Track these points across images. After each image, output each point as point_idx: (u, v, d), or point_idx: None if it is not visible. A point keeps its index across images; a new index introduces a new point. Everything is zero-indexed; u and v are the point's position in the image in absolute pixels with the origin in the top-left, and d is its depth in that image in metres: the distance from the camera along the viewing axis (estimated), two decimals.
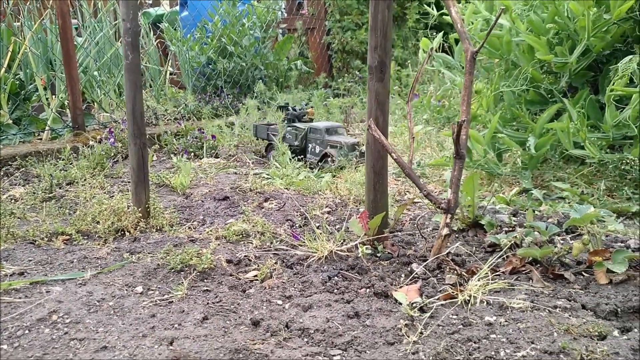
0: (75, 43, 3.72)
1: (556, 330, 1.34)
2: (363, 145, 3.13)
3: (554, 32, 3.00)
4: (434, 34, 4.03)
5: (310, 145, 3.32)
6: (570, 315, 1.41)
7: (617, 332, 1.32)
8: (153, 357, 1.29)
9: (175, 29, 5.37)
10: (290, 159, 3.27)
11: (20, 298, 1.59)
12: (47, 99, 3.96)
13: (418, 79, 1.80)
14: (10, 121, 3.67)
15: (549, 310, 1.44)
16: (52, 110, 3.81)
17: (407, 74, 5.94)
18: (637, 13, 2.68)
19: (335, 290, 1.64)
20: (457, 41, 3.86)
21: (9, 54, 3.78)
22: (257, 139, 3.84)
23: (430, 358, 1.24)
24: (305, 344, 1.36)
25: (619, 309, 1.41)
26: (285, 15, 6.92)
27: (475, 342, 1.31)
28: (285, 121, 3.53)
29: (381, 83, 1.79)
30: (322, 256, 1.85)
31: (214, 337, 1.38)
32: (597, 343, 1.27)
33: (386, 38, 1.76)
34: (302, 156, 3.39)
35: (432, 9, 3.90)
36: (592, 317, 1.41)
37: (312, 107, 3.56)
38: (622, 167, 2.50)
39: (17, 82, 3.85)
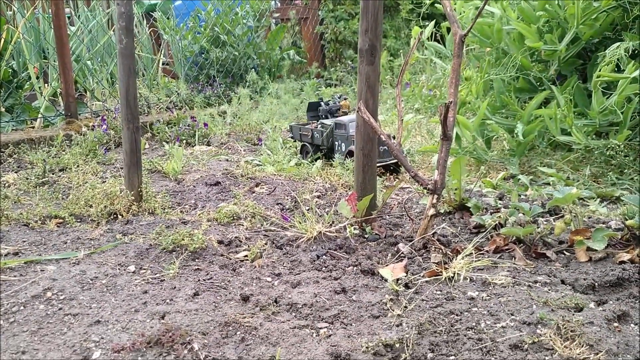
0: (68, 31, 3.73)
1: (535, 303, 1.38)
2: (395, 138, 2.81)
3: (544, 20, 3.04)
4: (427, 23, 4.06)
5: (336, 143, 2.95)
6: (549, 290, 1.46)
7: (593, 305, 1.37)
8: (145, 330, 1.33)
9: (168, 18, 5.37)
10: (281, 147, 3.31)
11: (15, 276, 1.62)
12: (39, 87, 3.97)
13: (408, 62, 1.83)
14: (3, 109, 3.68)
15: (529, 285, 1.49)
16: (44, 99, 3.82)
17: (400, 64, 5.97)
18: (626, 1, 2.72)
19: (324, 268, 1.68)
20: (449, 30, 3.89)
21: (2, 42, 3.78)
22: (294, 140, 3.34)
23: (414, 329, 1.29)
24: (293, 318, 1.40)
25: (596, 284, 1.46)
26: (279, 4, 6.92)
27: (457, 315, 1.36)
28: (320, 118, 3.20)
29: (372, 66, 1.82)
30: (311, 237, 1.89)
31: (204, 311, 1.42)
32: (573, 314, 1.31)
33: (377, 21, 1.79)
34: (330, 157, 3.02)
35: None
36: (570, 291, 1.46)
37: (345, 98, 3.22)
38: (608, 153, 2.55)
39: (10, 71, 3.86)
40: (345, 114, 3.20)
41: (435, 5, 3.80)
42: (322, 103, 3.27)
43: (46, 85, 4.07)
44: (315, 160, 3.02)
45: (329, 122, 3.01)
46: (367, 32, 1.78)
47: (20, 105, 3.78)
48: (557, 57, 2.97)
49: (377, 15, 1.77)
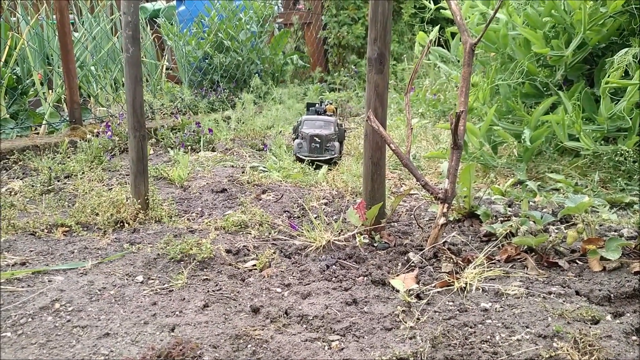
0: (72, 38, 3.72)
1: (550, 315, 1.37)
2: (332, 137, 3.12)
3: (550, 26, 3.03)
4: (430, 28, 4.05)
5: (299, 136, 3.26)
6: (564, 301, 1.44)
7: (610, 317, 1.35)
8: (155, 343, 1.31)
9: (172, 24, 5.37)
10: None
11: (23, 287, 1.61)
12: (44, 93, 3.96)
13: (417, 71, 1.82)
14: (8, 116, 3.67)
15: (543, 297, 1.47)
16: (49, 105, 3.81)
17: (403, 68, 5.96)
18: (633, 6, 2.71)
19: (334, 279, 1.66)
20: (453, 35, 3.88)
21: (7, 49, 3.78)
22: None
23: (428, 342, 1.27)
24: (305, 330, 1.39)
25: (612, 295, 1.44)
26: (282, 9, 6.92)
27: (471, 327, 1.34)
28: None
29: (380, 75, 1.81)
30: (320, 246, 1.87)
31: (214, 323, 1.41)
32: (590, 327, 1.29)
33: (386, 30, 1.78)
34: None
35: (430, 2, 3.91)
36: (585, 302, 1.44)
37: (330, 103, 3.55)
38: (616, 159, 2.54)
39: (14, 77, 3.85)
40: (330, 116, 3.46)
41: (440, 10, 3.80)
42: (317, 104, 3.52)
43: (50, 91, 4.06)
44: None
45: (299, 119, 3.36)
46: (376, 41, 1.77)
47: (24, 111, 3.77)
48: (564, 63, 2.95)
49: (386, 24, 1.76)
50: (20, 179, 2.81)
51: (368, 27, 1.80)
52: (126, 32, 2.06)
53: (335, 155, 3.12)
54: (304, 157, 3.11)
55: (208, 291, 1.59)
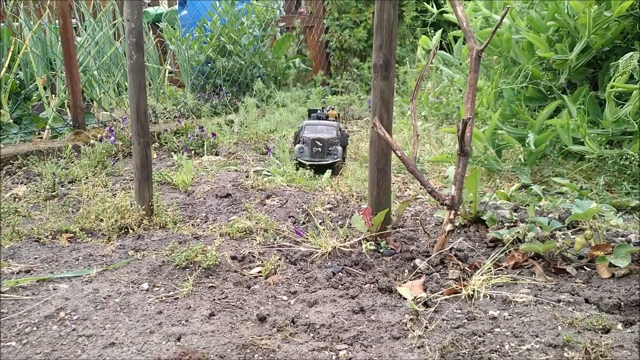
0: (75, 43, 3.72)
1: (560, 323, 1.35)
2: (335, 141, 3.10)
3: (553, 30, 3.02)
4: (432, 31, 4.05)
5: (300, 140, 3.23)
6: (573, 309, 1.43)
7: (621, 326, 1.34)
8: (161, 353, 1.30)
9: (174, 28, 5.37)
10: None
11: (27, 295, 1.60)
12: (47, 98, 3.96)
13: (423, 77, 1.81)
14: (11, 120, 3.67)
15: (552, 304, 1.46)
16: (52, 110, 3.81)
17: (405, 71, 5.96)
18: (638, 10, 2.70)
19: (340, 286, 1.65)
20: (455, 39, 3.88)
21: (10, 54, 3.78)
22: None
23: (437, 352, 1.26)
24: (312, 339, 1.37)
25: (622, 303, 1.43)
26: (284, 13, 6.92)
27: (480, 336, 1.33)
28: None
29: (386, 81, 1.81)
30: (326, 252, 1.86)
31: (221, 332, 1.40)
32: (601, 336, 1.28)
33: (391, 37, 1.78)
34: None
35: (432, 6, 3.91)
36: (595, 310, 1.43)
37: (332, 108, 3.56)
38: (621, 163, 2.52)
39: (18, 82, 3.85)
40: (332, 121, 3.44)
41: (442, 13, 3.79)
42: (318, 110, 3.52)
43: (53, 96, 4.06)
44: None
45: (300, 124, 3.37)
46: (382, 48, 1.76)
47: (28, 116, 3.77)
48: (568, 66, 2.94)
49: (392, 31, 1.76)
50: (24, 184, 2.81)
51: (373, 32, 1.80)
52: (130, 39, 2.05)
53: (338, 160, 3.10)
54: (305, 162, 3.07)
55: (214, 299, 1.59)
